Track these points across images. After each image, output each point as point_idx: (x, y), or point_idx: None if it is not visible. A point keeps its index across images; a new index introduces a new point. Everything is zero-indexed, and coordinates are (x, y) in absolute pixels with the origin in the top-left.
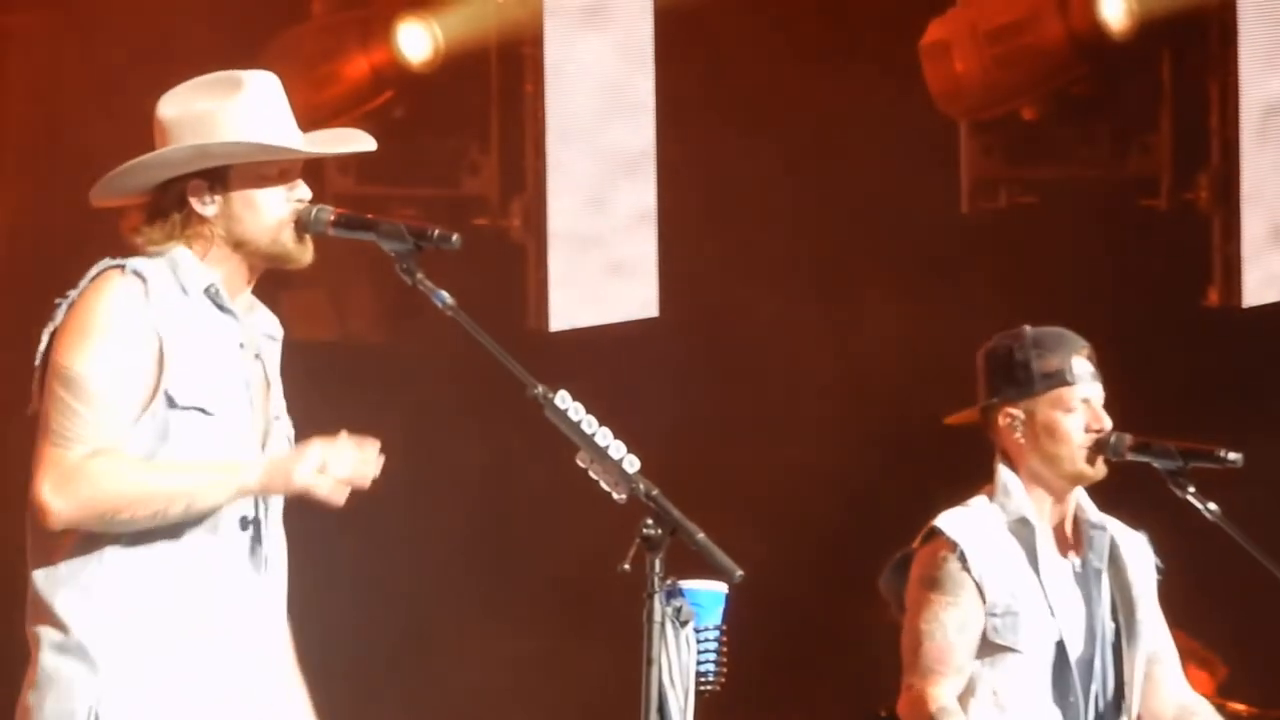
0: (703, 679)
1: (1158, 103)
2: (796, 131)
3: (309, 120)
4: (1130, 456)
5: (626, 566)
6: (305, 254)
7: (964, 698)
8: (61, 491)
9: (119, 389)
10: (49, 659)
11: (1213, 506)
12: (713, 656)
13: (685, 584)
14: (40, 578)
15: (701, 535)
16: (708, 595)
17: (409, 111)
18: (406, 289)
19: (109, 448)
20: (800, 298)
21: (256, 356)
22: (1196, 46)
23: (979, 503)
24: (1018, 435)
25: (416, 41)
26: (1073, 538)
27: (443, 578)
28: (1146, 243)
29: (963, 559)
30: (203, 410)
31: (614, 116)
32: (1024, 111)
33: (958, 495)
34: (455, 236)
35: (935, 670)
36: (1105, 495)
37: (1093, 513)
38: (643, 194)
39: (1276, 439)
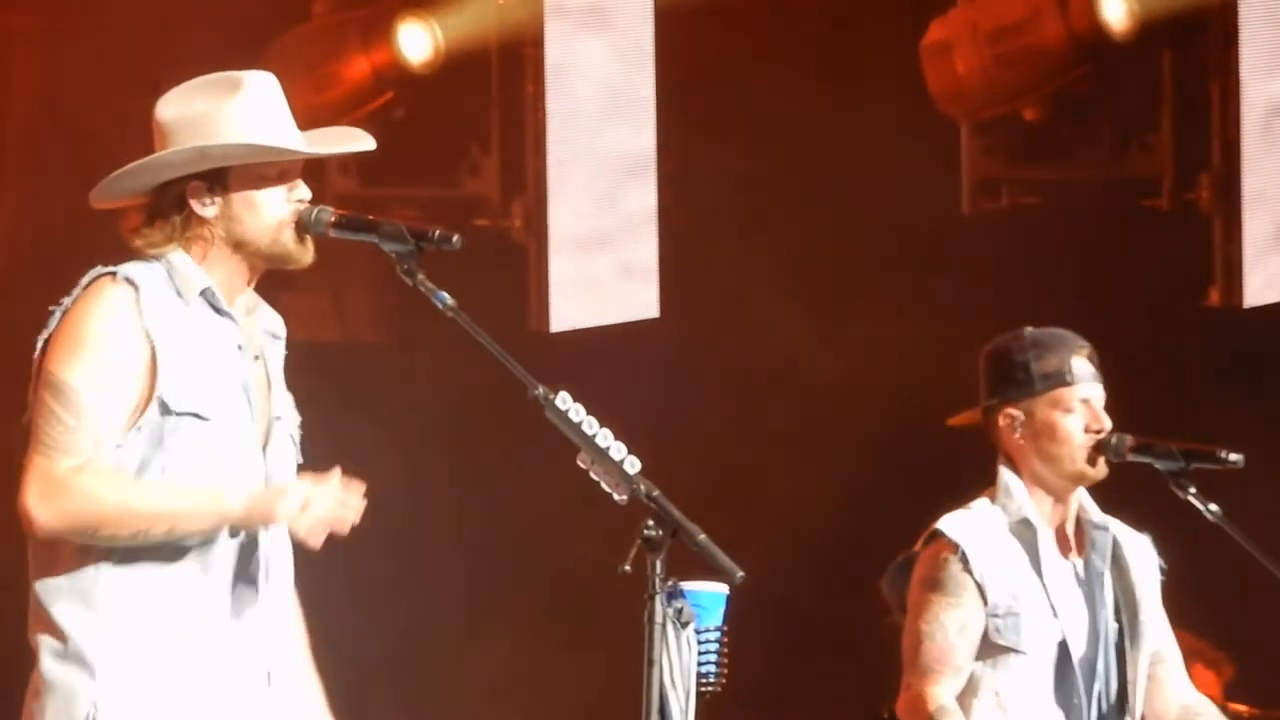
0: (704, 680)
1: (1159, 103)
2: (797, 132)
3: (310, 121)
4: (1131, 457)
5: (627, 567)
6: (306, 255)
7: (966, 698)
8: (45, 502)
9: (107, 399)
10: (49, 667)
11: (1214, 507)
12: (714, 658)
13: (686, 585)
14: (40, 587)
15: (702, 536)
16: (709, 596)
17: (410, 112)
18: (407, 290)
19: (97, 461)
20: (801, 299)
21: (256, 357)
22: (1197, 47)
23: (981, 505)
24: (1018, 436)
25: (417, 42)
26: (1075, 539)
27: (443, 578)
28: (1147, 243)
29: (964, 560)
30: (197, 415)
31: (615, 117)
32: (1025, 112)
33: (959, 498)
34: (456, 237)
35: (934, 670)
36: (1107, 496)
37: (1095, 513)
38: (644, 195)
39: (1278, 440)
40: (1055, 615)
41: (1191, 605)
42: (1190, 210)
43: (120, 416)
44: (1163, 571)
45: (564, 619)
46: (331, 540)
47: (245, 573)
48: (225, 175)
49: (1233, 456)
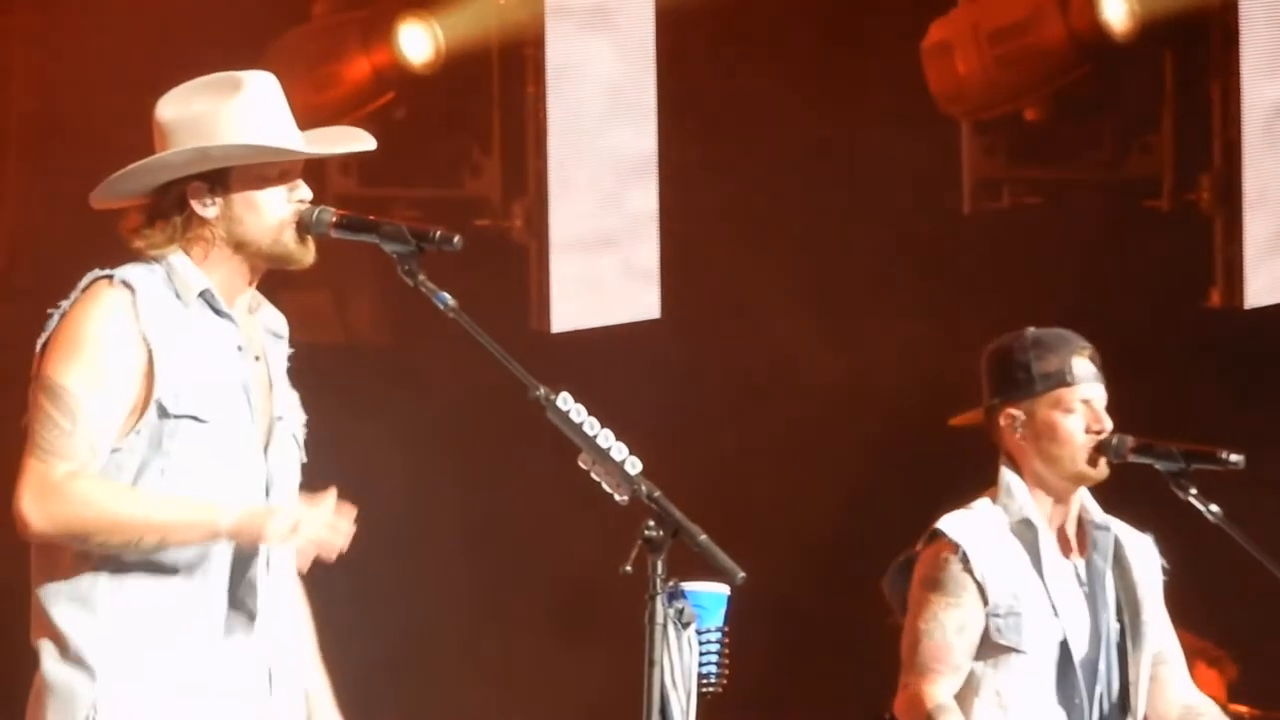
0: (705, 681)
1: (1160, 103)
2: (798, 133)
3: (310, 122)
4: (1132, 458)
5: (629, 568)
6: (307, 255)
7: (968, 698)
8: (38, 506)
9: (103, 403)
10: (51, 669)
11: (1215, 508)
12: (715, 658)
13: (687, 585)
14: (41, 591)
15: (704, 537)
16: (710, 597)
17: (410, 113)
18: (409, 291)
19: (92, 466)
20: (801, 299)
21: (257, 358)
22: (1198, 47)
23: (982, 505)
24: (1019, 436)
25: (418, 42)
26: (1077, 539)
27: (444, 578)
28: (1148, 243)
29: (965, 560)
30: (196, 418)
31: (616, 118)
32: (1026, 112)
33: (960, 498)
34: (457, 238)
35: (932, 669)
36: (1109, 496)
37: (1097, 514)
38: (645, 195)
39: (1278, 440)
40: (1056, 615)
41: (1192, 606)
42: (1191, 211)
43: (116, 420)
44: (1165, 572)
45: (565, 619)
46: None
47: (246, 573)
48: (226, 176)
49: (1233, 457)
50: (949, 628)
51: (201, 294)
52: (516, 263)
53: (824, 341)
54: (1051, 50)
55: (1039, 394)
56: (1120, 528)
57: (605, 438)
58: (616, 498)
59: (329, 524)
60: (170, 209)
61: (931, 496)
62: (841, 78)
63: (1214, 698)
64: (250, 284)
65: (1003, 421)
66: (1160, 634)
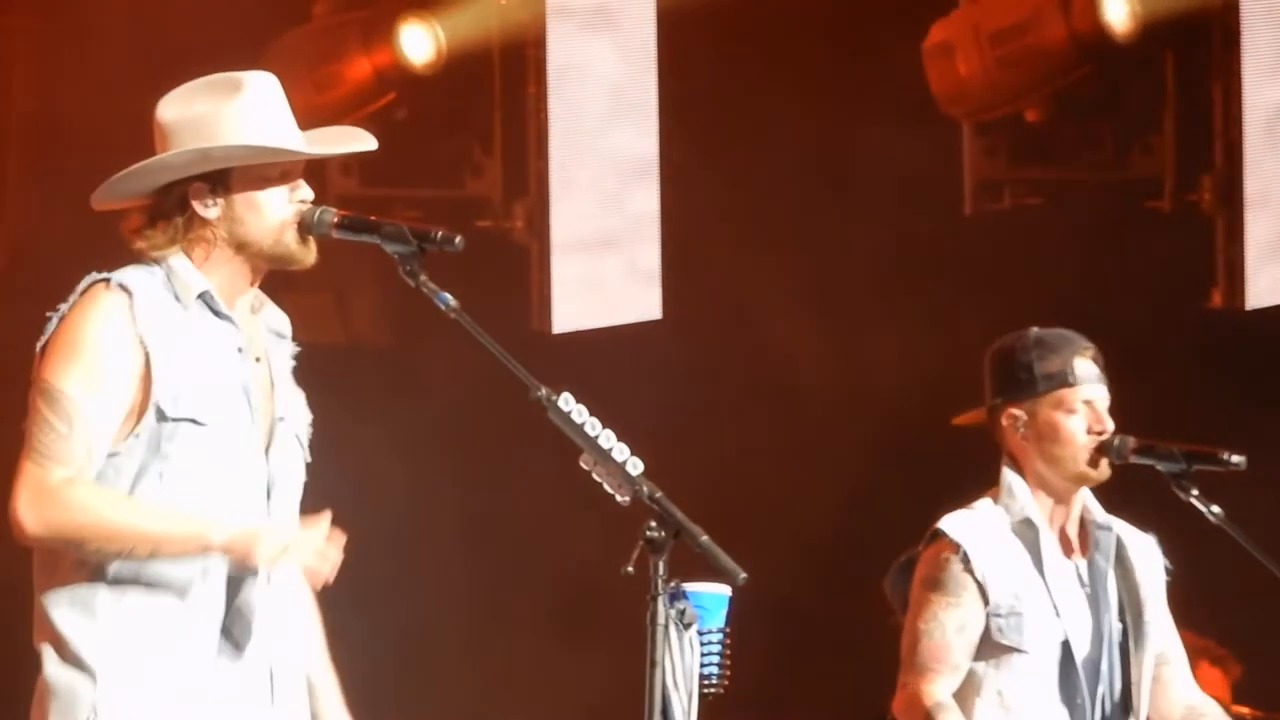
0: (706, 681)
1: (1161, 104)
2: (800, 134)
3: (311, 122)
4: (1133, 459)
5: (630, 569)
6: (308, 255)
7: (969, 698)
8: (34, 511)
9: (100, 407)
10: (52, 672)
11: (1216, 509)
12: (716, 659)
13: (689, 586)
14: (43, 596)
15: (705, 537)
16: (711, 598)
17: (412, 113)
18: (410, 291)
19: (89, 471)
20: (802, 300)
21: (258, 359)
22: (1199, 48)
23: (983, 505)
24: (1020, 436)
25: (419, 43)
26: (1079, 540)
27: (445, 579)
28: (1149, 244)
29: (965, 560)
30: (194, 421)
31: (617, 118)
32: (1027, 113)
33: (961, 498)
34: (458, 238)
35: (931, 668)
36: (1111, 497)
37: (1099, 514)
38: (646, 196)
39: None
40: (1058, 615)
41: (1194, 607)
42: (1192, 212)
43: (113, 424)
44: (1168, 572)
45: (566, 620)
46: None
47: (244, 582)
48: (227, 176)
49: (1235, 458)
50: (948, 627)
51: (201, 296)
52: (518, 263)
53: (825, 342)
54: (1053, 51)
55: (1041, 394)
56: (1123, 528)
57: (607, 438)
58: (618, 498)
59: (318, 551)
60: (172, 210)
61: (932, 497)
62: (843, 79)
63: (1218, 697)
64: (252, 284)
65: (1005, 421)
66: (1163, 634)
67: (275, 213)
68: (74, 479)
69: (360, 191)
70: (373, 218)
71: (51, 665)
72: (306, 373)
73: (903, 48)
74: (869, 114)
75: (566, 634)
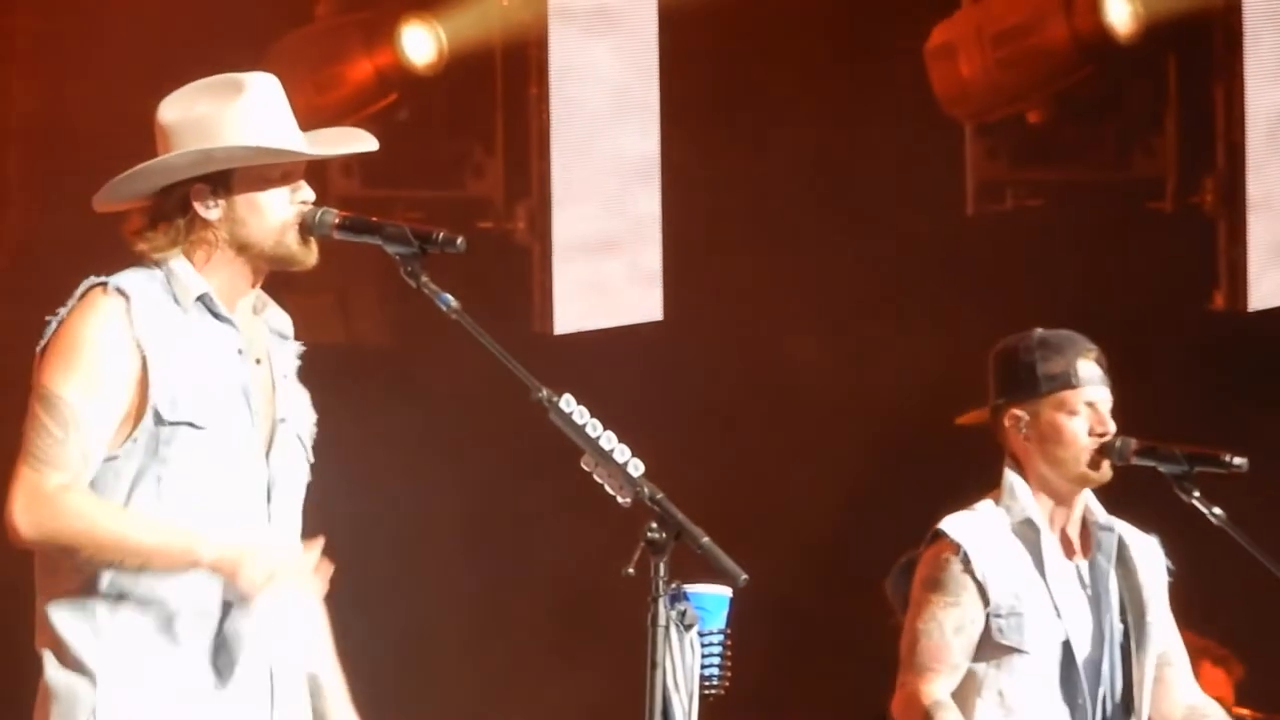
0: (707, 683)
1: (1163, 106)
2: (802, 136)
3: (313, 123)
4: (1135, 461)
5: (631, 570)
6: (309, 256)
7: (970, 698)
8: (28, 516)
9: (96, 412)
10: (53, 675)
11: (1218, 511)
12: (717, 660)
13: (690, 588)
14: (44, 600)
15: (706, 539)
16: (712, 599)
17: (413, 114)
18: (411, 292)
19: (84, 478)
20: (804, 301)
21: (259, 361)
22: (1202, 49)
23: (985, 506)
24: (1023, 437)
25: (421, 44)
26: (1080, 541)
27: (445, 579)
28: (1152, 246)
29: (965, 560)
30: (192, 424)
31: (619, 119)
32: (1029, 114)
33: (961, 499)
34: (460, 239)
35: (929, 668)
36: (1113, 498)
37: (1101, 515)
38: (648, 197)
39: None
40: (1059, 616)
41: (1195, 608)
42: (1194, 213)
43: (109, 429)
44: (1170, 573)
45: (566, 621)
46: (333, 538)
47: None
48: (229, 177)
49: (1237, 460)
50: (947, 628)
51: (200, 298)
52: (519, 264)
53: (826, 343)
54: (1055, 52)
55: (1043, 395)
56: (1125, 529)
57: (608, 440)
58: (619, 500)
59: (303, 577)
60: (173, 211)
61: (933, 498)
62: (845, 80)
63: (1220, 698)
64: (253, 285)
65: (1007, 422)
66: (1165, 635)
67: (276, 214)
68: (69, 486)
69: (362, 192)
70: (374, 219)
71: (52, 669)
72: (308, 373)
73: (905, 49)
74: (871, 115)
75: (567, 635)
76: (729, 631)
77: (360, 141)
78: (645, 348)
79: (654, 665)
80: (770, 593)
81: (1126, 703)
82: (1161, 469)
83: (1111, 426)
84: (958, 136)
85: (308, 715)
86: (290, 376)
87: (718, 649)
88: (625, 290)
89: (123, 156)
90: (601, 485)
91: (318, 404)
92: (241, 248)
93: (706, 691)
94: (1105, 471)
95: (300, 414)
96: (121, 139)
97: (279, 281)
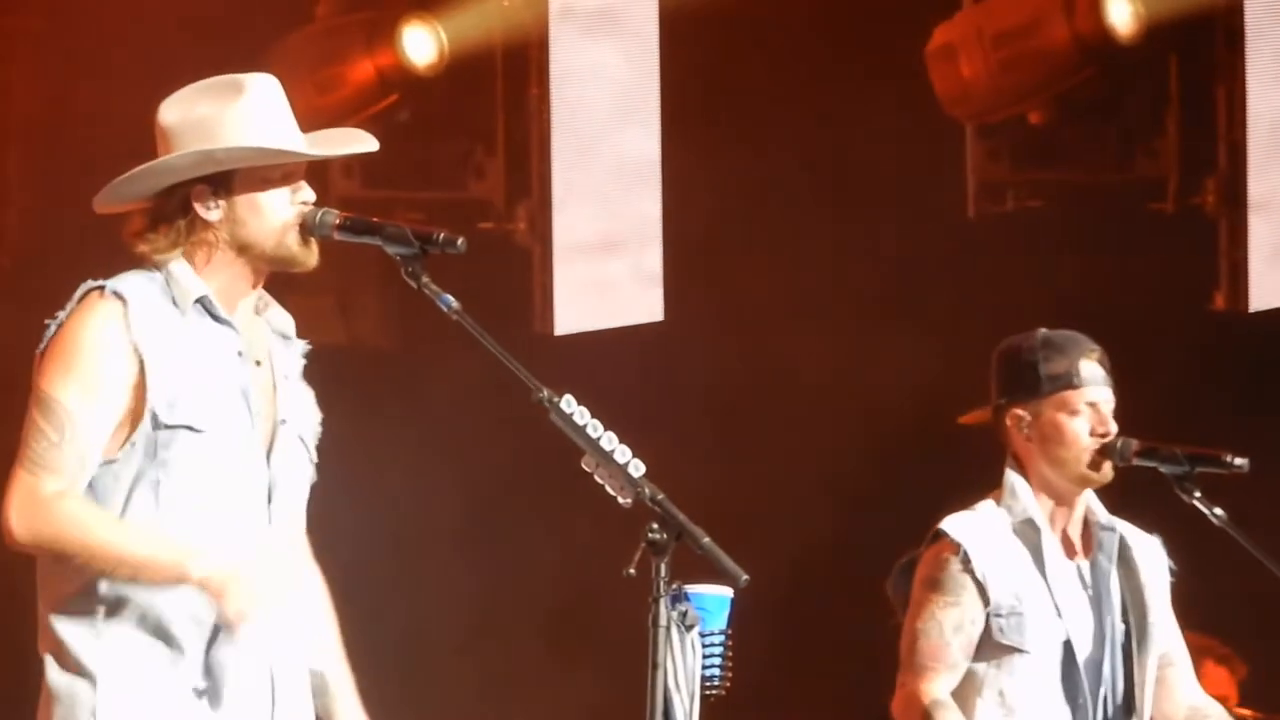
0: (708, 683)
1: (1164, 106)
2: (803, 136)
3: (314, 124)
4: (1136, 461)
5: (632, 571)
6: (310, 257)
7: (970, 698)
8: (23, 519)
9: (93, 417)
10: (54, 678)
11: (1219, 511)
12: (718, 661)
13: (691, 588)
14: (44, 604)
15: (707, 539)
16: (713, 599)
17: (414, 115)
18: (412, 293)
19: (81, 483)
20: (805, 302)
21: (259, 362)
22: (1203, 50)
23: (985, 506)
24: (1024, 437)
25: (421, 45)
26: (1082, 541)
27: (446, 579)
28: (1153, 247)
29: (965, 560)
30: (190, 428)
31: (620, 120)
32: (1030, 115)
33: (962, 499)
34: (460, 240)
35: (928, 667)
36: (1115, 499)
37: (1103, 515)
38: (649, 198)
39: None
40: (1059, 615)
41: (1197, 609)
42: (1196, 214)
43: (105, 433)
44: (1172, 574)
45: (567, 622)
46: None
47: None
48: (230, 179)
49: (1238, 461)
50: (946, 627)
51: (199, 301)
52: (520, 265)
53: (827, 344)
54: (1056, 53)
55: (1045, 395)
56: (1127, 529)
57: (609, 440)
58: (620, 500)
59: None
60: (174, 213)
61: (933, 499)
62: (846, 81)
63: (1224, 696)
64: (254, 287)
65: (1009, 422)
66: (1167, 636)
67: (277, 214)
68: (65, 493)
69: (362, 193)
70: (375, 219)
71: (53, 672)
72: (309, 374)
73: (906, 50)
74: (872, 116)
75: (567, 635)
76: (730, 632)
77: (360, 142)
78: (646, 348)
79: (655, 666)
80: (771, 593)
81: (1128, 703)
82: (1162, 469)
83: (1113, 427)
84: (959, 137)
85: (309, 716)
86: (293, 377)
87: (719, 649)
88: (626, 291)
89: (123, 157)
90: (602, 486)
91: (318, 403)
92: (242, 249)
93: (707, 692)
94: (1106, 472)
95: (303, 414)
96: (122, 139)
97: (279, 282)
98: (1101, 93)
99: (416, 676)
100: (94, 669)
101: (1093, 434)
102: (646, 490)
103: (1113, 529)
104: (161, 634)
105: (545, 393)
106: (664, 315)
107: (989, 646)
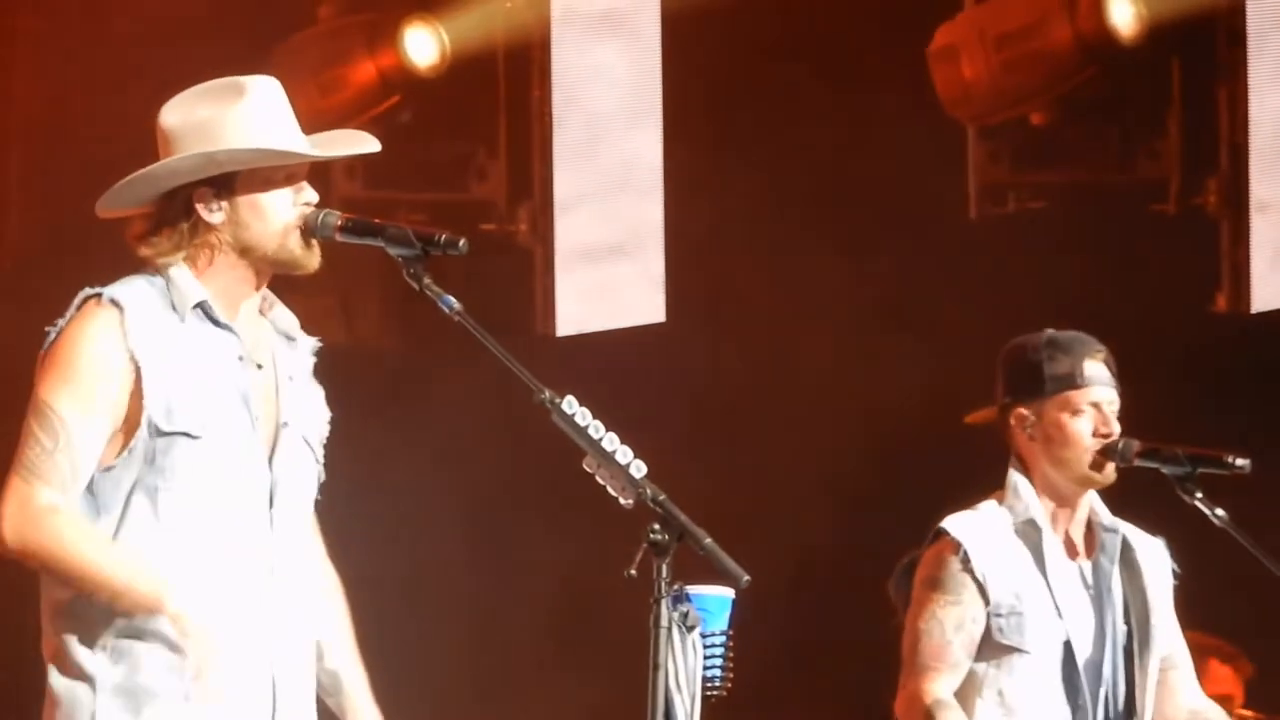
0: (709, 684)
1: (1166, 107)
2: (805, 138)
3: (316, 126)
4: (1138, 462)
5: (633, 571)
6: (312, 259)
7: (970, 698)
8: (13, 527)
9: (87, 425)
10: (55, 681)
11: (1220, 512)
12: (719, 662)
13: (692, 589)
14: (47, 608)
15: (708, 540)
16: (715, 600)
17: (416, 116)
18: (414, 294)
19: (73, 490)
20: (806, 303)
21: (260, 365)
22: (1205, 51)
23: (987, 506)
24: (1028, 436)
25: (423, 46)
26: (1085, 543)
27: (447, 580)
28: (1154, 248)
29: (965, 559)
30: (188, 434)
31: (622, 122)
32: (1032, 116)
33: (963, 500)
34: (462, 241)
35: (931, 667)
36: (1116, 500)
37: (1105, 516)
38: (651, 199)
39: None
40: (1060, 616)
41: (1198, 610)
42: (1197, 215)
43: (100, 442)
44: (1176, 576)
45: (568, 623)
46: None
47: (248, 581)
48: (232, 180)
49: (1239, 462)
50: (947, 626)
51: (198, 306)
52: (522, 266)
53: (828, 345)
54: (1058, 54)
55: (1049, 395)
56: (1131, 531)
57: (610, 441)
58: (621, 501)
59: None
60: (177, 215)
61: (934, 499)
62: (848, 82)
63: (1230, 695)
64: (257, 289)
65: (1013, 421)
66: (1169, 638)
67: (279, 215)
68: (58, 507)
69: (364, 195)
70: (377, 221)
71: (54, 676)
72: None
73: (908, 52)
74: (873, 118)
75: (568, 636)
76: (731, 633)
77: (362, 143)
78: (648, 350)
79: (656, 667)
80: (772, 594)
81: (1129, 705)
82: (1164, 470)
83: (1115, 428)
84: (960, 139)
85: (312, 717)
86: (298, 378)
87: (720, 650)
88: (628, 292)
89: (124, 158)
90: (604, 487)
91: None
92: (244, 251)
93: (709, 693)
94: (1108, 473)
95: (307, 415)
96: (123, 140)
97: (282, 285)
98: (1103, 94)
99: (417, 677)
100: (93, 672)
101: (1095, 434)
102: (648, 491)
103: (1115, 530)
104: (160, 637)
105: (547, 394)
106: (666, 317)
107: (989, 646)
